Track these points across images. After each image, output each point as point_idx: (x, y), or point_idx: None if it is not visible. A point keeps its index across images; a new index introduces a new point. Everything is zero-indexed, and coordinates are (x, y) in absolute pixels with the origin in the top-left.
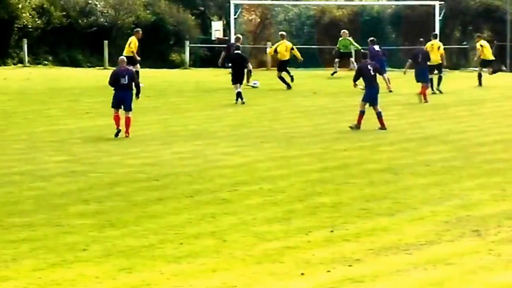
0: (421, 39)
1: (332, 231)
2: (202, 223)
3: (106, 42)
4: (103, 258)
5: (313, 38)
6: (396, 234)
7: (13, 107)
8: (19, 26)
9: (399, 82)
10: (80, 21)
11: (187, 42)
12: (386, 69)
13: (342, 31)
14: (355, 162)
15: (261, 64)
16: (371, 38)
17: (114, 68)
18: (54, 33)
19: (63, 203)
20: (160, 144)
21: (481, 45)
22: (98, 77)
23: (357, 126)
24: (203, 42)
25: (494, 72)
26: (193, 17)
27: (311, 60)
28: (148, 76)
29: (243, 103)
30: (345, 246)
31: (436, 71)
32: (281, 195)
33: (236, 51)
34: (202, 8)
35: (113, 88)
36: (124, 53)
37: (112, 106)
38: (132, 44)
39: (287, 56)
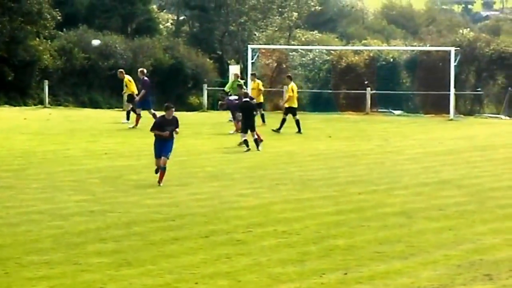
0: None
1: (346, 274)
2: (217, 263)
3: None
4: None
5: (329, 82)
6: (410, 277)
7: (32, 146)
8: (40, 67)
9: (413, 127)
10: (100, 63)
11: (205, 85)
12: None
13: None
14: (369, 206)
15: (276, 107)
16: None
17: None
18: (75, 75)
19: (81, 241)
20: (177, 185)
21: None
22: (117, 118)
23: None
24: (221, 85)
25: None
26: (211, 61)
27: (326, 104)
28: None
29: (248, 149)
30: None
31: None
32: (295, 237)
33: (245, 99)
34: (220, 52)
35: None
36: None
37: None
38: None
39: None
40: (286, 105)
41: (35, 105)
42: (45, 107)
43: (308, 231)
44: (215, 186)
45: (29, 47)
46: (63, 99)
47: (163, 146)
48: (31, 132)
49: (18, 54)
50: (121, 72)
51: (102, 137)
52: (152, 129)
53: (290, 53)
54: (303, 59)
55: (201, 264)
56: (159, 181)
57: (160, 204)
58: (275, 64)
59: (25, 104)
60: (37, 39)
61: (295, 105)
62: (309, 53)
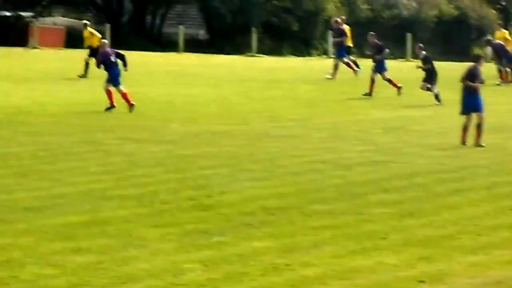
0: None
1: None
2: (500, 215)
3: (409, 34)
4: (402, 247)
5: None
6: None
7: (316, 96)
8: (324, 18)
9: None
10: (383, 14)
11: (489, 37)
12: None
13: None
14: None
15: None
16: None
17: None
18: (359, 26)
19: (364, 191)
20: (457, 137)
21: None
22: (402, 69)
23: None
24: None
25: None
26: (495, 12)
27: None
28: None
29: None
30: None
31: None
32: None
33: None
34: (504, 3)
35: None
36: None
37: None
38: None
39: None
40: None
41: (318, 55)
42: (328, 57)
43: None
44: (498, 138)
45: None
46: None
47: (471, 102)
48: (315, 81)
49: (303, 4)
50: (336, 22)
51: (383, 88)
52: (461, 79)
53: None
54: None
55: (484, 216)
56: (477, 141)
57: (443, 156)
58: None
59: (309, 55)
60: None
61: None
62: None
